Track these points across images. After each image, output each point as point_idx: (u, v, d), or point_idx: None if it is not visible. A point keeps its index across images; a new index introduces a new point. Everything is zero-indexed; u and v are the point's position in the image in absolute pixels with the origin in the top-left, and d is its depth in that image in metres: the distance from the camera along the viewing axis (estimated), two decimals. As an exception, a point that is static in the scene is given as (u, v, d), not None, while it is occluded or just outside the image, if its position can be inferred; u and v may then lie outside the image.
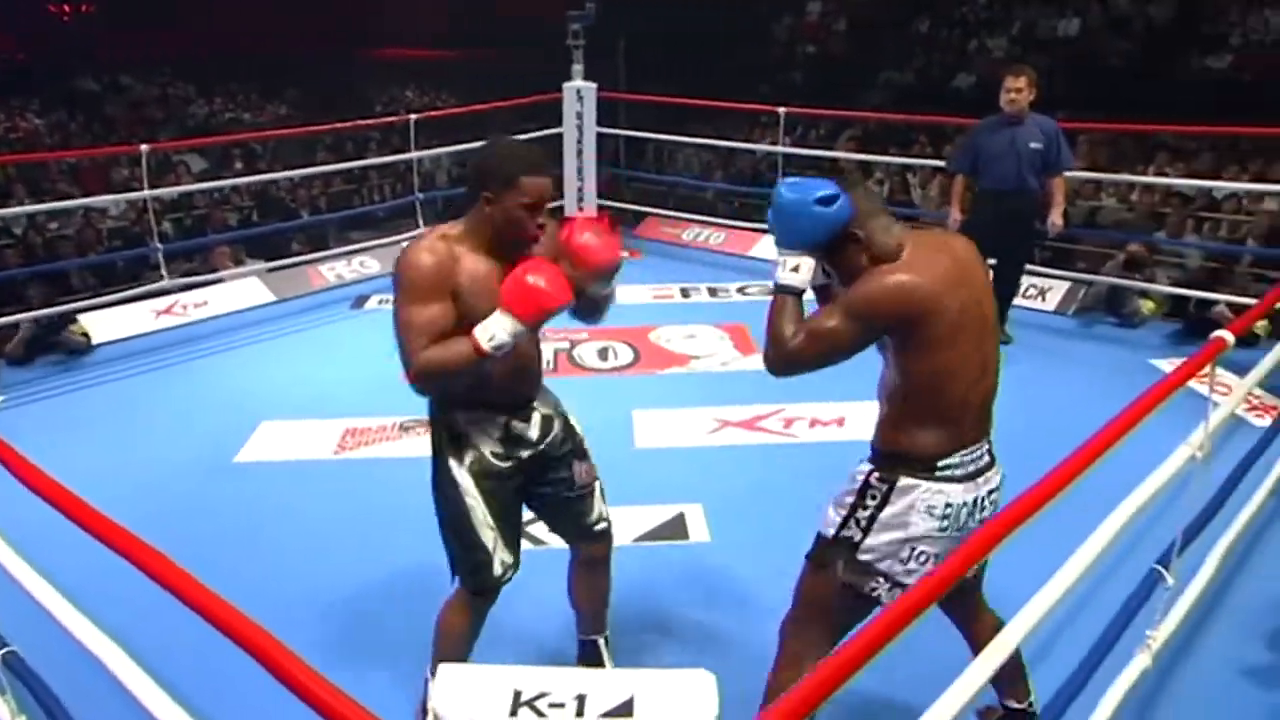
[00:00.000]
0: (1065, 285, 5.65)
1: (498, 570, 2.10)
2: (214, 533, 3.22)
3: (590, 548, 2.33)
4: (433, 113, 8.11)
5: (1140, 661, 2.14)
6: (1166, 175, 7.96)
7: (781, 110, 6.69)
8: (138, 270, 6.67)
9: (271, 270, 6.12)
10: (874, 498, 1.86)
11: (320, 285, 6.07)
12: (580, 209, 7.05)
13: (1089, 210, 8.18)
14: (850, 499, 1.90)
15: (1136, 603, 2.16)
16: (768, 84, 12.66)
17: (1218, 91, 9.89)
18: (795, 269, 1.83)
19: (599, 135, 7.01)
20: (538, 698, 2.24)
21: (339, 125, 9.87)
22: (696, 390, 4.46)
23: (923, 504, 1.83)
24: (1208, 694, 2.43)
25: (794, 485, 3.50)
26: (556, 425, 2.20)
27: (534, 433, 2.14)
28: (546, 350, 4.85)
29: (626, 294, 5.87)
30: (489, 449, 2.07)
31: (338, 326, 5.52)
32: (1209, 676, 2.49)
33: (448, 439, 2.08)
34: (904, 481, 1.84)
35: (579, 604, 2.44)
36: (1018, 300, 5.16)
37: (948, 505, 1.83)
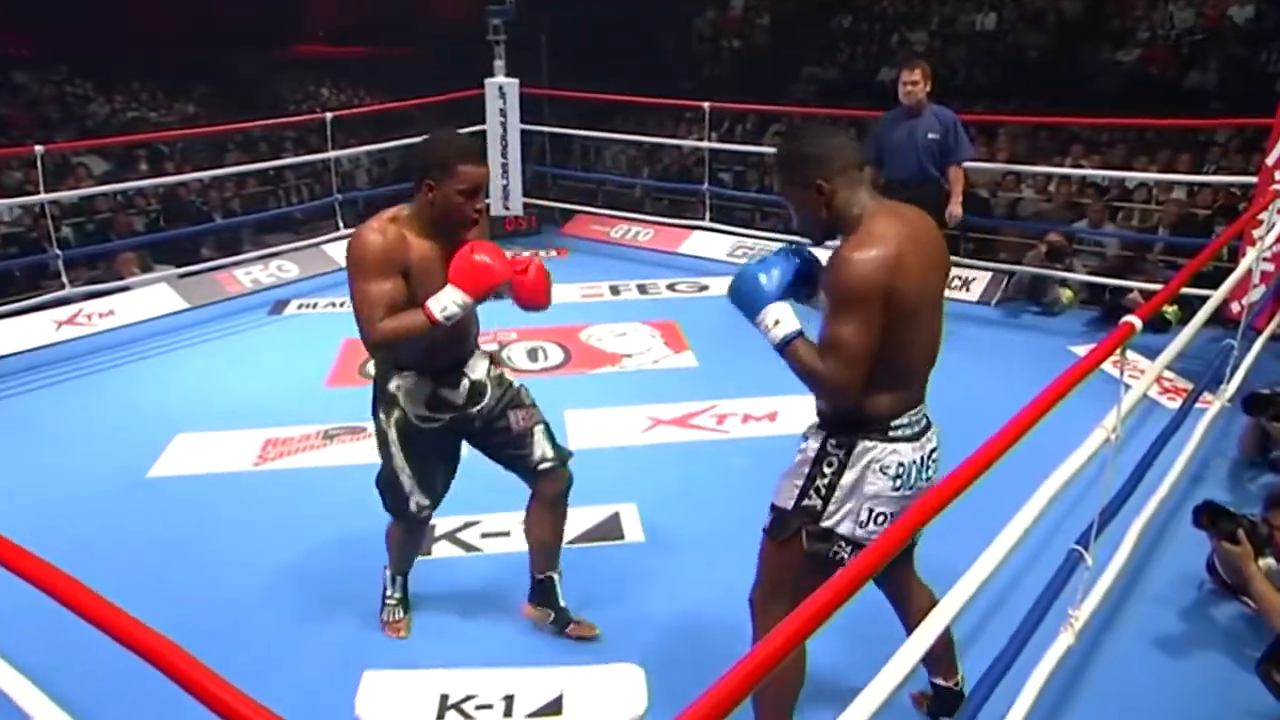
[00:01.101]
0: (988, 276, 5.78)
1: (413, 509, 2.44)
2: (128, 549, 3.08)
3: (541, 485, 2.50)
4: (350, 111, 7.93)
5: (1064, 640, 2.19)
6: (1082, 167, 8.21)
7: (707, 105, 6.67)
8: (36, 278, 6.36)
9: (183, 276, 5.87)
10: (830, 465, 1.88)
11: (235, 291, 5.86)
12: (506, 208, 6.97)
13: (1010, 202, 8.39)
14: (807, 469, 1.91)
15: (1059, 583, 2.21)
16: (692, 79, 12.70)
17: (1127, 84, 10.24)
18: (777, 321, 1.82)
19: (524, 132, 6.93)
20: (465, 700, 2.20)
21: (252, 124, 9.57)
22: (629, 389, 4.43)
23: (878, 464, 1.86)
24: (1128, 668, 2.50)
25: (727, 481, 3.51)
26: (488, 389, 2.43)
27: (460, 399, 2.39)
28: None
29: (556, 293, 5.78)
30: (414, 411, 2.36)
31: (256, 333, 5.33)
32: (1129, 651, 2.57)
33: (382, 397, 2.38)
34: (861, 445, 1.87)
35: (531, 540, 2.60)
36: (942, 291, 5.25)
37: (900, 465, 1.87)
